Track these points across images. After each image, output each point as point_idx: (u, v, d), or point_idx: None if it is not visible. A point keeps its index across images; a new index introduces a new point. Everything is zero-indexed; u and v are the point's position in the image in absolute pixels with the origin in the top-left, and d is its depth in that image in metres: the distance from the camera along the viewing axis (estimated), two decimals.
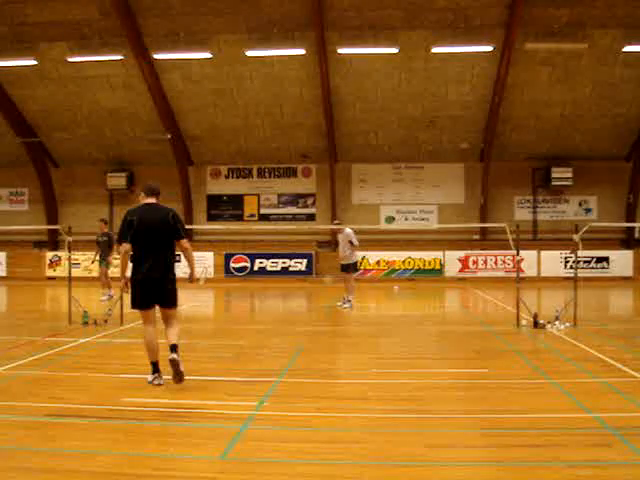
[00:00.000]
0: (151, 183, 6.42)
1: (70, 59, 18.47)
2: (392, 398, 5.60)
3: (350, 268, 12.67)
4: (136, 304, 6.11)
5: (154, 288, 6.05)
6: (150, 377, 6.04)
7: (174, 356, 5.83)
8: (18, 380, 6.29)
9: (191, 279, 6.46)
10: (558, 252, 20.06)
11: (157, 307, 6.17)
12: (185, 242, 6.23)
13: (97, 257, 14.36)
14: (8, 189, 23.68)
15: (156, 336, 6.07)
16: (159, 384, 5.96)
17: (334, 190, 21.80)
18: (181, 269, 6.61)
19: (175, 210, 6.37)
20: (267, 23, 17.48)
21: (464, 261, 20.77)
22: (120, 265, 6.15)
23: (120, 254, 6.18)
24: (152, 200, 6.28)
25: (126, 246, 6.01)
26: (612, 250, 20.61)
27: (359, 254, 13.97)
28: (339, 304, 12.71)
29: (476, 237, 21.89)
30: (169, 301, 6.16)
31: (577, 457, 4.04)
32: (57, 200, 23.34)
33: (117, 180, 22.36)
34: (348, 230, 12.60)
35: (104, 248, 14.01)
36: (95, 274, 20.96)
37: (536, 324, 9.54)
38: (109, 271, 14.08)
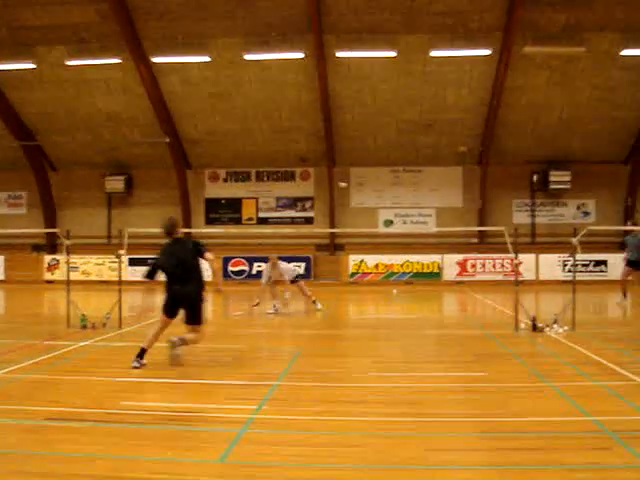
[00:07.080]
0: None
1: (69, 62, 18.49)
2: (391, 401, 5.60)
3: (298, 278, 13.00)
4: None
5: None
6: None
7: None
8: (17, 383, 6.27)
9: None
10: (556, 255, 20.06)
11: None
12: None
13: None
14: (6, 192, 23.67)
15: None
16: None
17: (332, 193, 21.81)
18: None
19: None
20: (265, 27, 17.51)
21: (462, 264, 20.77)
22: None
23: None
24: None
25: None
26: (610, 253, 20.59)
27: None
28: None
29: (474, 240, 21.91)
30: None
31: (576, 460, 4.04)
32: (55, 203, 23.32)
33: (115, 183, 22.36)
34: (284, 265, 12.81)
35: None
36: (94, 277, 21.07)
37: (534, 327, 9.54)
38: None
